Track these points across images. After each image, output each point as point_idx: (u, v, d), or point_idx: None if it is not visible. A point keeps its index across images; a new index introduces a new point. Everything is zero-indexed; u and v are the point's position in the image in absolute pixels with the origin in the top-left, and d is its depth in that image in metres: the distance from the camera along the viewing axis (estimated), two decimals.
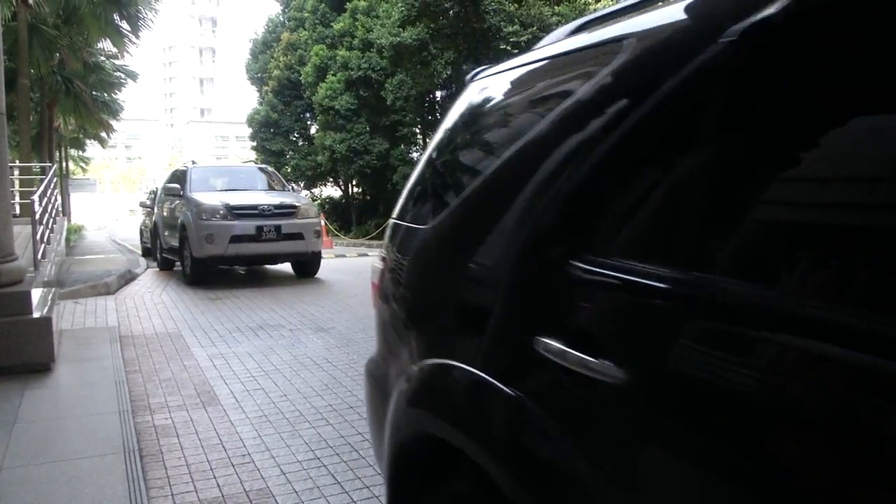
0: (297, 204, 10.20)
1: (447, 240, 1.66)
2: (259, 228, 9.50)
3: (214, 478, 3.23)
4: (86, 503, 2.87)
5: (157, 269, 11.70)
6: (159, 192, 12.04)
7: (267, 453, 3.52)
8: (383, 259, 2.00)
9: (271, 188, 11.61)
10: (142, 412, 4.17)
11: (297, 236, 9.86)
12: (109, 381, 4.63)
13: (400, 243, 1.93)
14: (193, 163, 11.56)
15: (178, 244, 10.21)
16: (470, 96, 1.90)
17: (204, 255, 9.44)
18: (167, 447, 3.60)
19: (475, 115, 1.86)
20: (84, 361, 5.24)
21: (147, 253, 14.32)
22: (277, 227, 9.62)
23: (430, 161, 1.96)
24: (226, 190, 10.68)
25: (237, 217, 9.51)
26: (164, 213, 11.17)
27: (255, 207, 9.73)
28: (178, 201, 10.33)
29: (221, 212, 9.46)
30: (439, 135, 1.96)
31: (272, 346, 5.93)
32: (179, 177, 10.97)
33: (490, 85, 1.84)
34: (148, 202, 15.18)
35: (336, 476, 3.24)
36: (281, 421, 4.02)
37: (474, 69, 2.02)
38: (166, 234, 11.05)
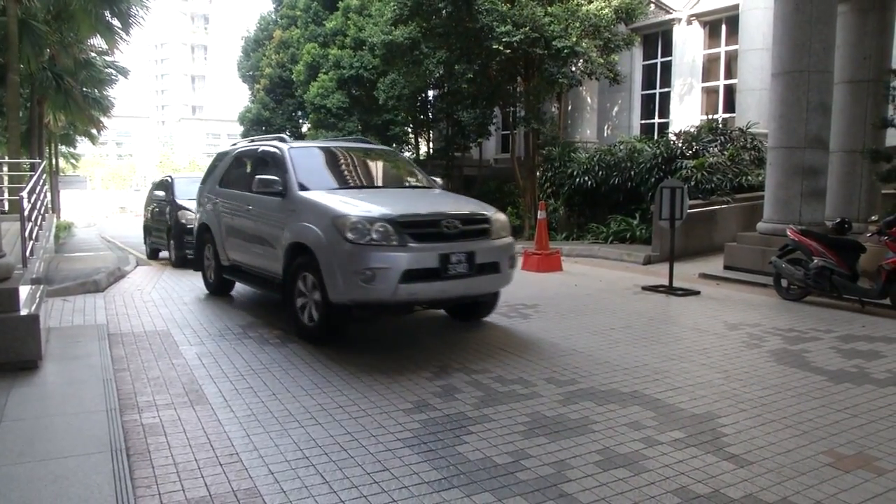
0: (488, 215, 6.30)
1: None
2: (444, 258, 5.54)
3: (202, 477, 3.22)
4: (72, 502, 2.86)
5: (166, 265, 11.61)
6: (209, 184, 8.57)
7: (255, 452, 3.52)
8: None
9: (406, 182, 7.76)
10: (129, 411, 4.16)
11: (493, 267, 6.01)
12: (97, 380, 4.61)
13: None
14: (284, 140, 7.45)
15: (262, 265, 6.97)
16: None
17: (353, 299, 5.48)
18: (155, 446, 3.59)
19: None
20: (72, 359, 5.21)
21: (154, 255, 13.73)
22: (470, 255, 5.71)
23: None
24: (352, 187, 7.08)
25: (410, 238, 5.53)
26: (222, 216, 7.96)
27: (434, 222, 5.76)
28: (270, 201, 6.68)
29: (382, 229, 5.48)
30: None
31: (261, 345, 5.91)
32: (269, 160, 7.25)
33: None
34: (169, 198, 12.49)
35: (325, 476, 3.23)
36: (270, 420, 4.01)
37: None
38: (229, 245, 7.82)
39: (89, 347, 5.55)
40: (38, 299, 5.37)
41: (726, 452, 3.55)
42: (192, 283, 9.61)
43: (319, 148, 7.76)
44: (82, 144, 34.91)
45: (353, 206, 5.84)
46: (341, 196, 6.27)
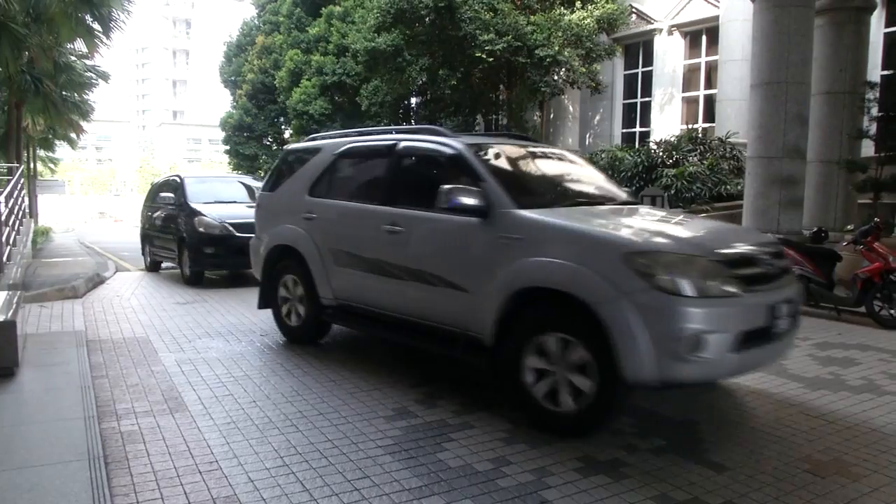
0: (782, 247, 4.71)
1: None
2: (772, 311, 3.85)
3: (181, 485, 3.20)
4: None
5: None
6: (287, 191, 6.31)
7: (235, 460, 3.49)
8: None
9: (612, 195, 5.38)
10: (108, 418, 4.12)
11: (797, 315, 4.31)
12: (75, 387, 4.56)
13: None
14: (444, 133, 5.29)
15: (426, 313, 4.85)
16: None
17: (665, 377, 3.57)
18: (133, 454, 3.56)
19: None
20: (49, 366, 5.15)
21: (155, 267, 12.07)
22: (792, 305, 4.09)
23: None
24: (574, 204, 4.89)
25: (737, 282, 3.75)
26: (326, 237, 5.70)
27: (754, 259, 4.06)
28: (454, 223, 4.55)
29: (711, 270, 3.71)
30: None
31: (242, 351, 5.88)
32: (428, 163, 5.35)
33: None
34: (179, 201, 10.63)
35: (305, 483, 3.22)
36: (250, 427, 3.99)
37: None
38: (340, 278, 5.57)
39: (67, 354, 5.49)
40: (14, 305, 5.31)
41: (706, 459, 3.58)
42: (172, 290, 9.55)
43: (502, 145, 5.41)
44: (61, 149, 34.49)
45: (640, 234, 4.05)
46: (585, 217, 4.38)
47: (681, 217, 5.15)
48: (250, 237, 9.53)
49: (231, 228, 9.81)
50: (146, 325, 7.01)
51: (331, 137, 6.40)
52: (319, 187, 5.95)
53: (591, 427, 3.88)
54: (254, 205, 10.68)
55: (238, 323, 7.14)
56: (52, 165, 37.79)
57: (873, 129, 10.31)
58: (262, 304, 6.46)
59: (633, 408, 4.39)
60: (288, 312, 6.22)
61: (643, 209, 5.22)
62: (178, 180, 11.30)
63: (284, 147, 7.38)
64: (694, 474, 3.38)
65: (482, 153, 4.92)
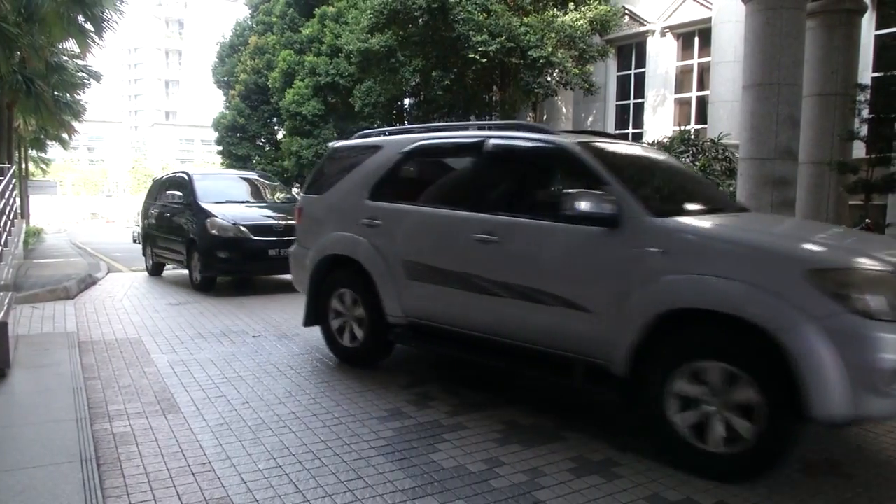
0: None
1: None
2: None
3: (174, 486, 3.19)
4: None
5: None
6: (341, 193, 5.56)
7: (228, 461, 3.49)
8: None
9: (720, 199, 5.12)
10: (100, 419, 4.10)
11: None
12: (67, 388, 4.55)
13: None
14: (547, 131, 4.61)
15: (528, 334, 4.21)
16: None
17: (860, 413, 3.10)
18: (126, 455, 3.55)
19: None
20: (41, 368, 5.13)
21: (157, 271, 11.57)
22: None
23: None
24: (701, 212, 4.35)
25: None
26: (394, 246, 4.98)
27: None
28: (571, 232, 3.99)
29: None
30: None
31: (235, 352, 5.87)
32: (533, 162, 4.70)
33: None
34: (188, 200, 9.91)
35: (298, 485, 3.22)
36: (243, 429, 3.98)
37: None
38: (412, 293, 4.87)
39: (59, 356, 5.46)
40: (6, 306, 5.28)
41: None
42: (165, 291, 9.52)
43: (609, 142, 4.74)
44: (53, 149, 34.38)
45: (821, 247, 3.66)
46: (743, 227, 3.96)
47: (820, 225, 4.36)
48: (265, 240, 8.80)
49: (246, 231, 9.21)
50: (138, 327, 6.99)
51: (385, 134, 5.72)
52: (384, 190, 5.17)
53: (755, 471, 3.29)
54: (268, 204, 10.62)
55: (231, 324, 7.12)
56: (43, 166, 37.69)
57: (864, 130, 10.35)
58: (310, 321, 5.67)
59: (624, 407, 4.40)
60: (341, 331, 5.43)
61: (769, 216, 4.43)
62: (186, 177, 10.52)
63: (330, 144, 6.46)
64: (686, 474, 3.39)
65: (598, 152, 4.24)
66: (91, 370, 5.24)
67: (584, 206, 3.76)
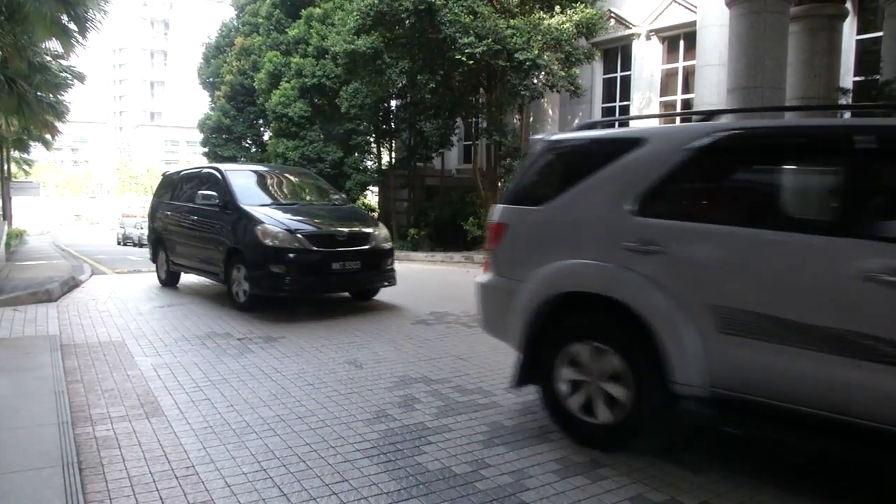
0: None
1: None
2: None
3: (157, 490, 3.16)
4: None
5: None
6: (596, 203, 3.88)
7: (212, 465, 3.47)
8: None
9: None
10: (82, 423, 4.07)
11: None
12: (48, 392, 4.50)
13: None
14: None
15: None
16: None
17: None
18: (108, 459, 3.52)
19: None
20: (22, 371, 5.08)
21: (172, 281, 10.25)
22: None
23: None
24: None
25: None
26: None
27: None
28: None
29: None
30: None
31: (219, 355, 5.83)
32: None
33: None
34: (225, 201, 8.37)
35: (282, 488, 3.20)
36: (227, 432, 3.96)
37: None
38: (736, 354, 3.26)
39: (40, 359, 5.41)
40: None
41: (682, 460, 3.61)
42: (148, 293, 9.45)
43: None
44: (36, 150, 34.09)
45: None
46: None
47: None
48: (327, 252, 7.56)
49: (305, 241, 7.63)
50: (122, 329, 6.94)
51: (616, 124, 4.29)
52: (662, 202, 3.62)
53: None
54: (321, 207, 8.84)
55: (216, 327, 7.08)
56: (26, 167, 37.32)
57: None
58: (523, 380, 4.12)
59: None
60: (579, 398, 3.84)
61: None
62: (218, 175, 8.87)
63: (542, 137, 4.58)
64: (671, 475, 3.41)
65: None
66: (73, 373, 5.19)
67: None
